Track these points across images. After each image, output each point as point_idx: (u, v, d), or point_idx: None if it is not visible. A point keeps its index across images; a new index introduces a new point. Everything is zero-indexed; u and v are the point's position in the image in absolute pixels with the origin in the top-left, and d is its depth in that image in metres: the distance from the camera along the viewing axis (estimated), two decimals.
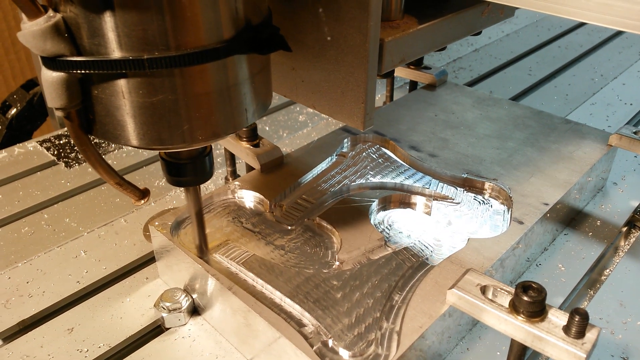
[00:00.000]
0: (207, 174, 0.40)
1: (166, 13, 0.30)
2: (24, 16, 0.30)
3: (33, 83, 0.89)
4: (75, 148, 0.73)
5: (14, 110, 0.86)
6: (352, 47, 0.36)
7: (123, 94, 0.32)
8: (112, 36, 0.30)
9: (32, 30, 0.30)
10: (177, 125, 0.34)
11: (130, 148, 0.74)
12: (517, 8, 0.45)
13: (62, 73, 0.31)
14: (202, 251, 0.46)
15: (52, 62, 0.31)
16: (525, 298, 0.36)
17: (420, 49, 0.41)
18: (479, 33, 0.50)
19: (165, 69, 0.31)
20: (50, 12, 0.31)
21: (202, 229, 0.44)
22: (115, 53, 0.31)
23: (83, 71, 0.31)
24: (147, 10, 0.30)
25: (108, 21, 0.30)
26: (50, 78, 0.31)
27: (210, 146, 0.40)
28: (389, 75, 0.40)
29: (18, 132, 0.88)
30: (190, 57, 0.31)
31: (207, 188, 0.65)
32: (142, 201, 0.39)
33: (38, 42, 0.30)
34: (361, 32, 0.35)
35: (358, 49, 0.35)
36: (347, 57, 0.36)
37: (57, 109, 0.32)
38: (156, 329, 0.47)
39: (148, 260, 0.54)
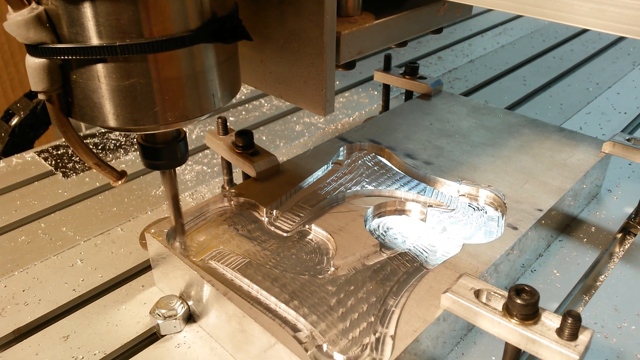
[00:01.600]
0: (181, 158, 0.43)
1: (138, 4, 0.33)
2: (9, 7, 0.33)
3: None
4: (74, 158, 0.73)
5: (17, 119, 0.87)
6: (311, 40, 0.39)
7: (99, 78, 0.35)
8: (88, 25, 0.33)
9: (16, 20, 0.33)
10: (148, 107, 0.36)
11: (127, 158, 0.74)
12: (472, 7, 0.48)
13: (44, 59, 0.34)
14: (180, 234, 0.48)
15: (34, 49, 0.34)
16: (518, 301, 0.36)
17: (376, 43, 0.44)
18: (440, 31, 0.52)
19: (137, 55, 0.34)
20: (34, 4, 0.33)
21: (178, 211, 0.46)
22: (92, 40, 0.34)
23: (63, 57, 0.34)
24: (120, 1, 0.33)
25: (85, 12, 0.33)
26: (33, 64, 0.34)
27: (185, 131, 0.43)
28: (351, 67, 0.44)
29: (20, 140, 0.89)
30: (159, 44, 0.34)
31: (204, 196, 0.66)
32: (120, 182, 0.41)
33: (22, 31, 0.33)
34: (318, 25, 0.38)
35: (316, 41, 0.39)
36: (308, 48, 0.40)
37: (39, 92, 0.35)
38: (152, 336, 0.47)
39: (144, 268, 0.55)
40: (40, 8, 0.33)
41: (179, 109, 0.37)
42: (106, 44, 0.33)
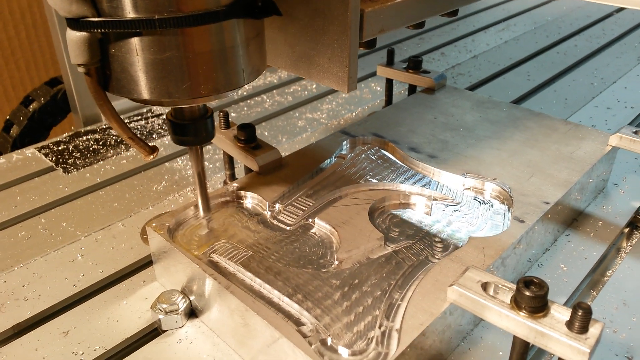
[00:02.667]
0: (208, 135, 0.45)
1: None
2: None
3: (57, 81, 0.91)
4: (74, 154, 0.73)
5: (36, 104, 0.88)
6: (336, 17, 0.40)
7: (136, 52, 0.37)
8: None
9: None
10: (182, 80, 0.38)
11: (128, 153, 0.73)
12: None
13: (85, 33, 0.36)
14: (205, 210, 0.50)
15: (76, 22, 0.36)
16: (527, 293, 0.35)
17: (398, 21, 0.45)
18: (456, 13, 0.53)
19: (173, 29, 0.36)
20: None
21: (204, 188, 0.49)
22: (130, 14, 0.35)
23: (103, 30, 0.36)
24: None
25: None
26: (74, 37, 0.36)
27: (212, 110, 0.45)
28: (371, 45, 0.45)
29: (38, 125, 0.90)
30: (194, 19, 0.36)
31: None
32: (152, 156, 0.43)
33: (65, 5, 0.35)
34: (343, 3, 0.39)
35: (341, 18, 0.40)
36: (332, 26, 0.41)
37: (79, 65, 0.37)
38: (153, 332, 0.46)
39: (145, 263, 0.54)
40: None
41: (211, 83, 0.39)
42: (145, 17, 0.35)
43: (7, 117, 0.89)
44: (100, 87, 0.39)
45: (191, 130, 0.43)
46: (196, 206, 0.50)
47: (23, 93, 1.19)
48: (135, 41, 0.36)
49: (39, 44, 1.14)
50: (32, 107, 0.88)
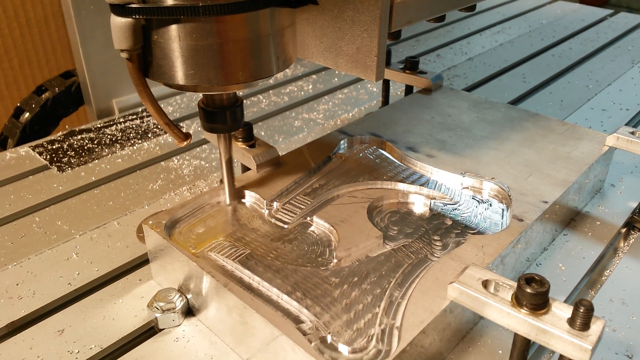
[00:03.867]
0: (238, 123, 0.46)
1: None
2: None
3: (70, 74, 0.92)
4: (69, 152, 0.72)
5: (49, 94, 0.90)
6: (366, 8, 0.41)
7: (179, 38, 0.38)
8: None
9: None
10: (221, 67, 0.40)
11: (124, 152, 0.73)
12: None
13: (129, 19, 0.37)
14: (232, 197, 0.51)
15: (121, 9, 0.37)
16: (529, 290, 0.35)
17: (424, 13, 0.47)
18: (473, 8, 0.54)
19: (215, 16, 0.37)
20: None
21: (232, 176, 0.50)
22: (174, 1, 0.37)
23: (147, 17, 0.37)
24: None
25: None
26: (119, 23, 0.37)
27: (242, 98, 0.47)
28: (397, 37, 0.47)
29: (50, 114, 0.90)
30: (236, 6, 0.37)
31: (202, 191, 0.65)
32: (185, 142, 0.44)
33: None
34: None
35: (372, 8, 0.41)
36: (362, 16, 0.42)
37: (122, 50, 0.38)
38: (149, 331, 0.46)
39: (141, 262, 0.53)
40: None
41: (247, 70, 0.40)
42: (189, 4, 0.36)
43: (18, 104, 0.89)
44: (141, 73, 0.40)
45: (222, 118, 0.45)
46: (192, 204, 0.50)
47: (17, 94, 1.18)
48: (177, 28, 0.38)
49: (32, 43, 1.13)
50: (45, 95, 0.89)
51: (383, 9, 0.41)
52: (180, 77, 0.40)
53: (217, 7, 0.37)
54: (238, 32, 0.39)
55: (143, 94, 0.41)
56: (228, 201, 0.51)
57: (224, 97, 0.45)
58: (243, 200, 0.52)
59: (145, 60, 0.40)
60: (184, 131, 0.44)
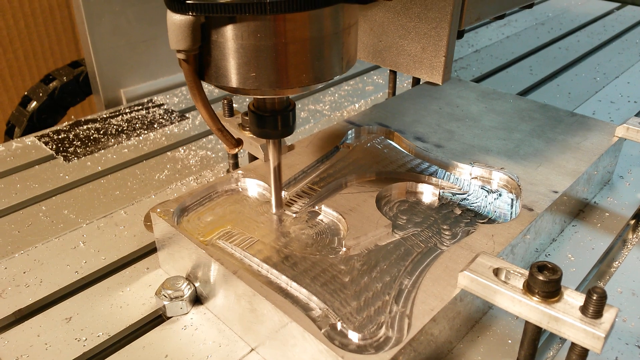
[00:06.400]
0: (289, 128, 0.43)
1: None
2: None
3: (78, 64, 0.93)
4: (75, 142, 0.72)
5: (57, 83, 0.89)
6: (437, 3, 0.39)
7: (242, 38, 0.35)
8: None
9: None
10: (286, 68, 0.36)
11: (130, 143, 0.72)
12: None
13: (189, 16, 0.34)
14: (279, 205, 0.48)
15: (180, 4, 0.33)
16: (541, 278, 0.34)
17: (491, 10, 0.44)
18: (532, 5, 0.52)
19: (282, 14, 0.34)
20: None
21: (280, 183, 0.47)
22: None
23: (208, 14, 0.33)
24: None
25: None
26: (178, 21, 0.34)
27: (294, 102, 0.43)
28: (461, 36, 0.44)
29: (58, 103, 0.90)
30: (306, 2, 0.34)
31: (209, 181, 0.64)
32: (236, 149, 0.42)
33: None
34: None
35: (442, 5, 0.39)
36: (430, 13, 0.40)
37: (179, 51, 0.35)
38: (157, 319, 0.46)
39: (149, 251, 0.53)
40: None
41: (314, 71, 0.37)
42: (256, 0, 0.33)
43: (26, 92, 0.89)
44: (197, 76, 0.37)
45: (273, 123, 0.42)
46: (200, 192, 0.50)
47: (22, 84, 1.18)
48: (241, 27, 0.34)
49: (37, 33, 1.13)
50: (53, 84, 0.88)
51: (455, 4, 0.38)
52: (240, 80, 0.36)
53: (287, 4, 0.34)
54: (305, 31, 0.35)
55: (197, 97, 0.38)
56: (274, 210, 0.48)
57: (275, 100, 0.42)
58: (251, 189, 0.52)
59: (201, 62, 0.37)
60: (233, 138, 0.41)
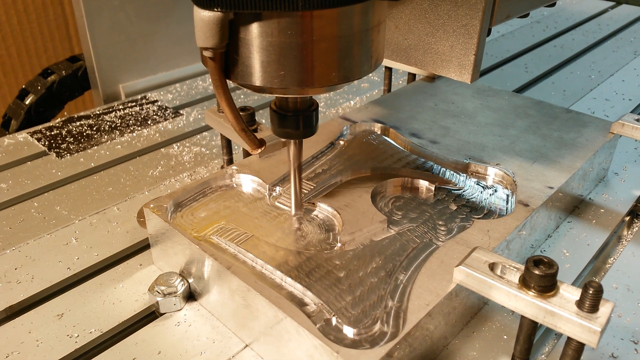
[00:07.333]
0: (312, 129, 0.42)
1: None
2: None
3: (76, 59, 0.93)
4: (67, 139, 0.71)
5: (56, 77, 0.89)
6: (467, 1, 0.38)
7: (272, 35, 0.33)
8: None
9: None
10: (315, 67, 0.35)
11: (123, 139, 0.72)
12: None
13: (218, 13, 0.32)
14: (298, 207, 0.47)
15: (208, 0, 0.32)
16: (537, 272, 0.34)
17: (521, 7, 0.43)
18: (554, 4, 0.51)
19: (314, 11, 0.33)
20: None
21: (300, 184, 0.46)
22: None
23: (237, 10, 0.32)
24: None
25: None
26: (205, 18, 0.32)
27: (317, 103, 0.42)
28: (489, 34, 0.42)
29: (56, 97, 0.90)
30: None
31: (203, 177, 0.64)
32: (259, 150, 0.41)
33: None
34: None
35: (474, 1, 0.38)
36: (461, 9, 0.38)
37: (205, 49, 0.34)
38: (150, 315, 0.45)
39: (142, 247, 0.53)
40: None
41: (343, 69, 0.36)
42: None
43: (23, 86, 0.88)
44: (223, 74, 0.36)
45: (295, 123, 0.41)
46: (195, 188, 0.49)
47: (15, 82, 1.17)
48: (272, 24, 0.33)
49: (30, 30, 1.12)
50: (51, 78, 0.88)
51: (487, 1, 0.37)
52: (267, 78, 0.35)
53: (318, 0, 0.32)
54: (336, 28, 0.34)
55: (222, 97, 0.37)
56: (293, 212, 0.47)
57: (298, 99, 0.40)
58: (245, 184, 0.52)
59: (227, 61, 0.35)
60: (257, 138, 0.40)
